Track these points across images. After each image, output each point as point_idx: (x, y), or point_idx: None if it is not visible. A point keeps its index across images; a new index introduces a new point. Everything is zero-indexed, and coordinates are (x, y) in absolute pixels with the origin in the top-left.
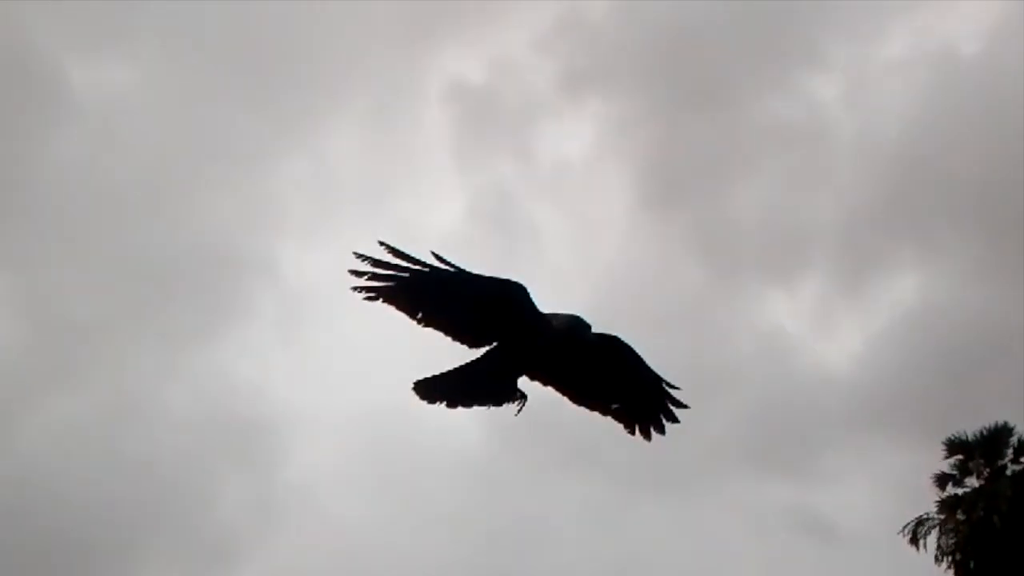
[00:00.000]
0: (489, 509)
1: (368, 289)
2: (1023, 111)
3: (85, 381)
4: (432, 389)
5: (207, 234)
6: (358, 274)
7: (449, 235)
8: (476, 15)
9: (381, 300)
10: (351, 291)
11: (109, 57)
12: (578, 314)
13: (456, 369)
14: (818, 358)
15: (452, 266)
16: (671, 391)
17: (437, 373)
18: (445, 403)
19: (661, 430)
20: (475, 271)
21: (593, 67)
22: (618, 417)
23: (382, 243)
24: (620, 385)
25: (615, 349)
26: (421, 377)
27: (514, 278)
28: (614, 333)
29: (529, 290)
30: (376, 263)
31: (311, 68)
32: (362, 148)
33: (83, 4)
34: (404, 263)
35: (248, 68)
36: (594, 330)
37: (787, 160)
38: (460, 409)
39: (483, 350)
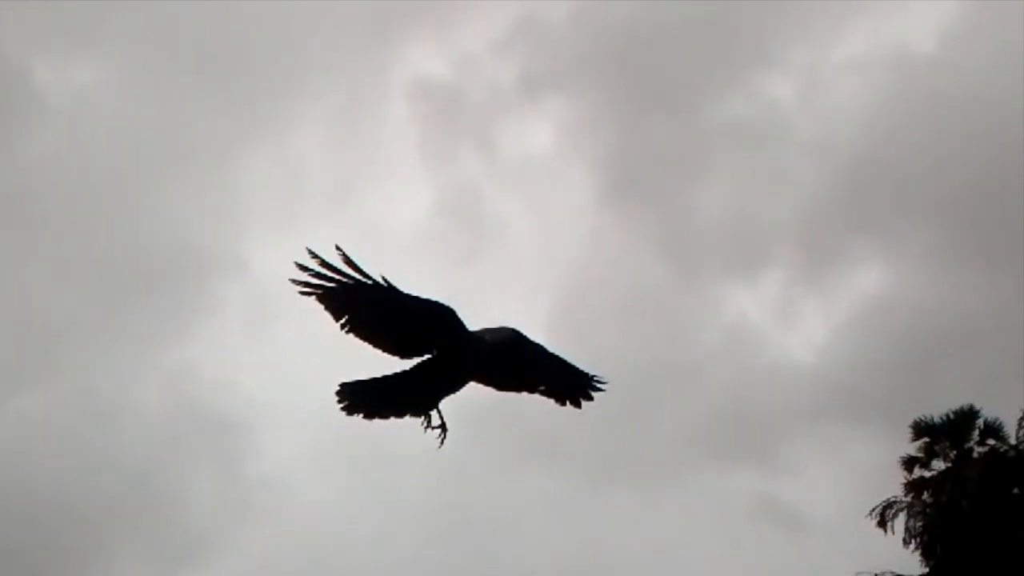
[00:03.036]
0: (458, 499)
1: (306, 284)
2: (976, 108)
3: (53, 379)
4: (356, 395)
5: (174, 231)
6: (303, 269)
7: (416, 230)
8: (439, 15)
9: (315, 297)
10: (288, 282)
11: (75, 55)
12: (512, 327)
13: (384, 377)
14: (781, 350)
15: (394, 289)
16: (596, 381)
17: (365, 379)
18: (363, 414)
19: (589, 398)
20: (413, 293)
21: (552, 68)
22: (545, 395)
23: (339, 249)
24: (543, 376)
25: (534, 351)
26: (348, 380)
27: (445, 301)
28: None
29: (457, 313)
30: (324, 264)
31: (277, 66)
32: (328, 145)
33: (49, 3)
34: (352, 272)
35: (214, 66)
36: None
37: (745, 158)
38: (378, 421)
39: (412, 363)
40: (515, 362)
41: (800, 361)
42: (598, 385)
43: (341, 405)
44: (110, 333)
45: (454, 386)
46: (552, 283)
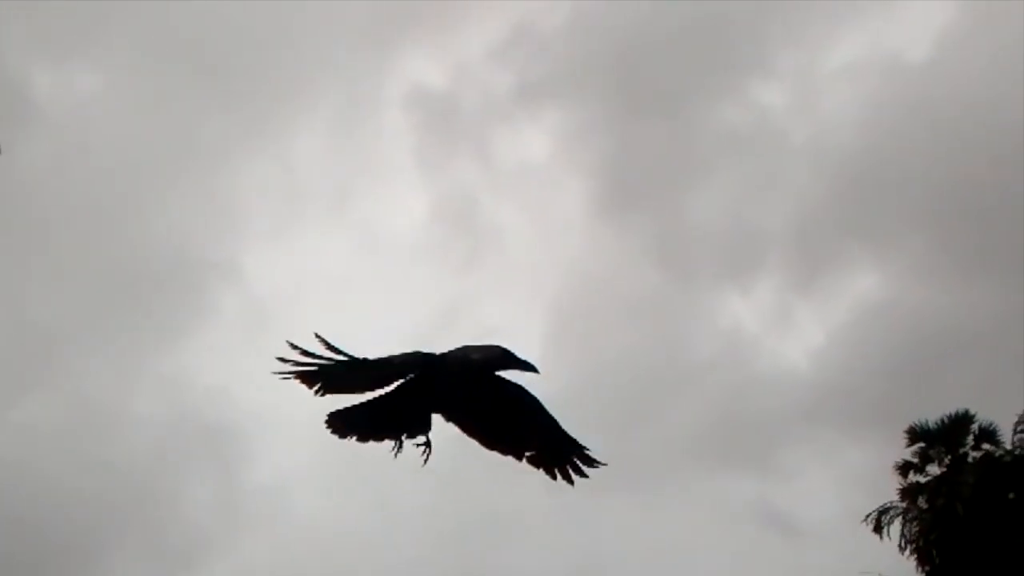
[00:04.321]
0: (457, 505)
1: (289, 373)
2: (969, 114)
3: (50, 387)
4: (344, 421)
5: (171, 239)
6: (284, 360)
7: (412, 237)
8: (435, 22)
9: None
10: (271, 374)
11: (74, 63)
12: (500, 345)
13: (370, 401)
14: (777, 356)
15: (370, 360)
16: (584, 452)
17: (351, 405)
18: (356, 437)
19: (581, 474)
20: (392, 355)
21: (547, 76)
22: (534, 463)
23: (318, 336)
24: (533, 431)
25: (528, 402)
26: (337, 409)
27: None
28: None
29: (427, 352)
30: (306, 353)
31: (274, 74)
32: (326, 152)
33: (48, 10)
34: (333, 355)
35: (212, 73)
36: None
37: (740, 165)
38: (371, 443)
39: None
40: (506, 405)
41: (795, 367)
42: (593, 464)
43: (331, 431)
44: (107, 340)
45: (440, 403)
46: (548, 290)
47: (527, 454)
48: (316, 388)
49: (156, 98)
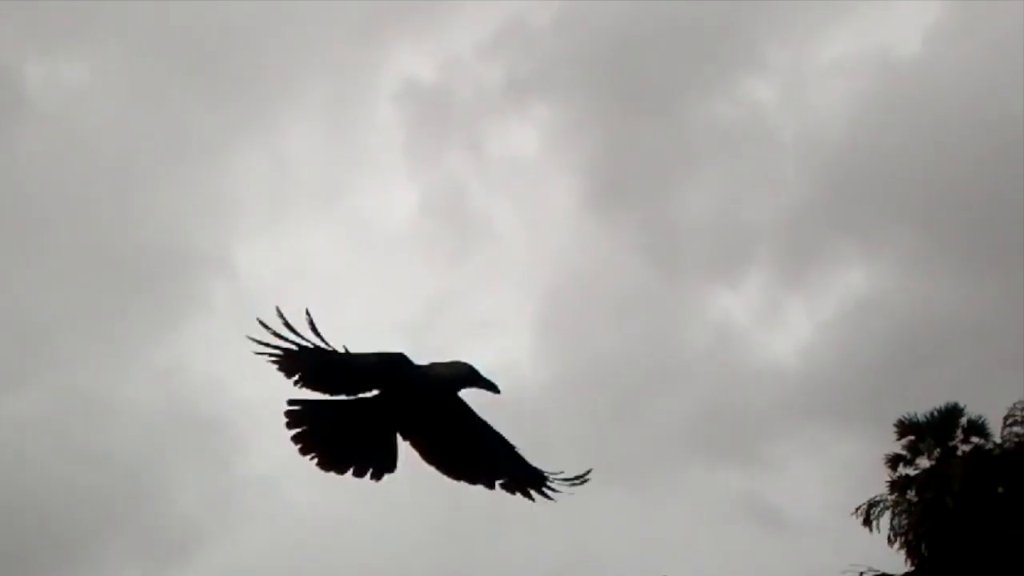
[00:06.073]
0: (449, 498)
1: (266, 345)
2: (959, 110)
3: (43, 378)
4: (305, 418)
5: (163, 230)
6: (265, 327)
7: (403, 230)
8: (425, 16)
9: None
10: (255, 355)
11: (63, 55)
12: (465, 361)
13: (335, 402)
14: (766, 350)
15: (351, 354)
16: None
17: (314, 400)
18: (317, 460)
19: (543, 495)
20: (358, 351)
21: (538, 71)
22: (508, 489)
23: (308, 314)
24: (497, 458)
25: (489, 433)
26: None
27: (395, 349)
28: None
29: (407, 356)
30: (278, 335)
31: (265, 67)
32: (316, 145)
33: (39, 2)
34: (313, 338)
35: (203, 66)
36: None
37: (730, 160)
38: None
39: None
40: (466, 430)
41: (784, 361)
42: (555, 487)
43: (288, 422)
44: (99, 332)
45: (407, 419)
46: (538, 284)
47: (498, 481)
48: (295, 380)
49: (147, 90)
